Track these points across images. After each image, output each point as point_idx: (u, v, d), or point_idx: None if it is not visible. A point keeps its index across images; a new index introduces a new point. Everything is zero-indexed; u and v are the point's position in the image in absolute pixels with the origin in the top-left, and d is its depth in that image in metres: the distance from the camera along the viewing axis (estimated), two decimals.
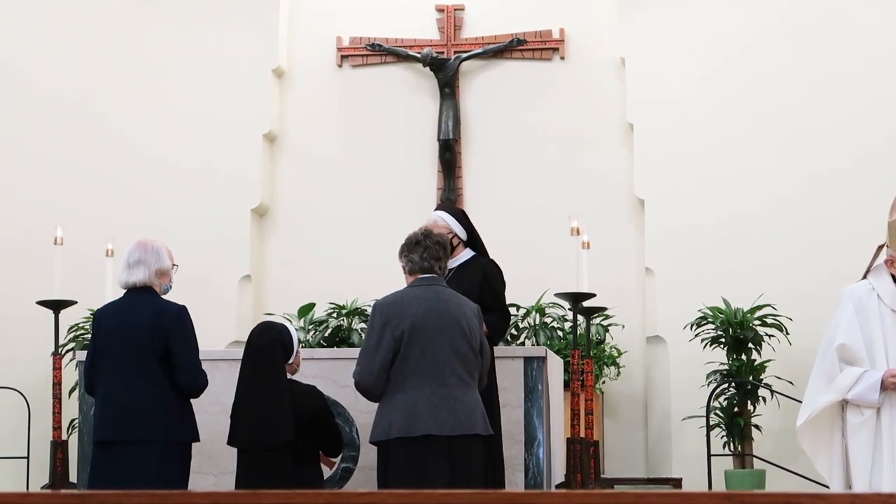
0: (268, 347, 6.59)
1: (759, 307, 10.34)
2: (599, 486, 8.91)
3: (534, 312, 10.85)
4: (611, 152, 11.61)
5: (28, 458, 9.97)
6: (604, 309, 9.31)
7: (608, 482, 10.14)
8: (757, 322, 10.32)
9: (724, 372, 10.28)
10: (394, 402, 6.13)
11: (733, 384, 10.25)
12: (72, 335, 10.52)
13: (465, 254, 7.20)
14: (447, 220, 7.14)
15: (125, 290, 6.44)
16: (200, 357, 6.39)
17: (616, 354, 10.87)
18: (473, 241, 7.27)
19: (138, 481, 6.10)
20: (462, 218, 7.31)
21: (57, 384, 8.79)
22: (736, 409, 10.23)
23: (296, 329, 7.20)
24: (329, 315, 10.98)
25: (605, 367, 10.79)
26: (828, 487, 9.22)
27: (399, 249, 6.42)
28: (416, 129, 11.79)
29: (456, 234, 7.15)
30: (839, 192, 10.67)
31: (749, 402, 10.25)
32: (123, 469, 6.18)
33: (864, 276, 6.23)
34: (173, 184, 11.54)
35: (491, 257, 7.31)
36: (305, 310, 10.89)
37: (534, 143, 11.70)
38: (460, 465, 6.09)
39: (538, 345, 10.38)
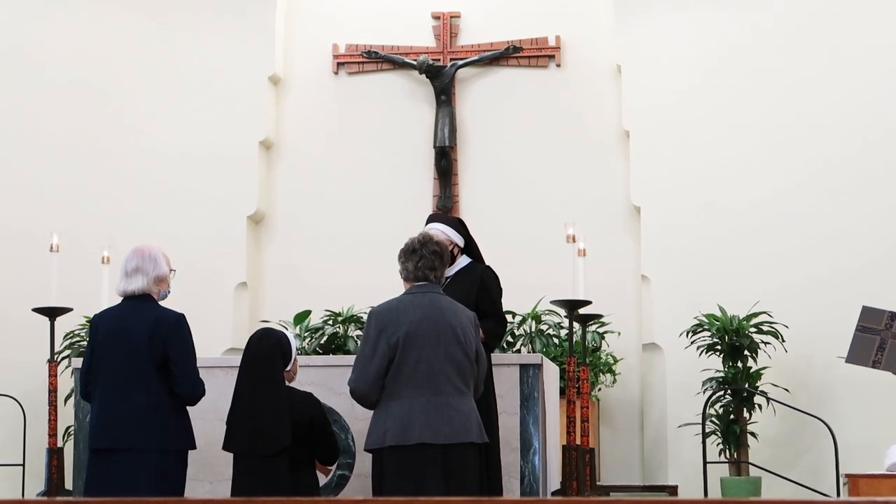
0: (267, 354, 6.60)
1: (755, 314, 10.34)
2: (595, 493, 8.91)
3: (530, 319, 10.86)
4: (607, 159, 11.62)
5: (24, 465, 9.96)
6: (600, 316, 9.32)
7: (604, 489, 10.14)
8: (753, 329, 10.33)
9: (720, 379, 10.28)
10: (388, 409, 6.12)
11: (729, 391, 10.25)
12: (68, 342, 10.51)
13: (462, 260, 7.21)
14: (446, 232, 7.15)
15: (123, 298, 6.44)
16: (196, 364, 6.39)
17: (612, 362, 10.87)
18: (470, 248, 7.28)
19: (135, 489, 6.10)
20: (459, 226, 7.32)
21: (53, 391, 8.77)
22: (732, 416, 10.23)
23: (293, 336, 7.20)
24: (325, 322, 10.98)
25: (601, 374, 10.79)
26: (826, 495, 9.24)
27: (398, 254, 6.43)
28: (412, 136, 11.80)
29: (456, 244, 7.17)
30: (837, 202, 10.67)
31: (745, 409, 10.25)
32: (120, 477, 6.18)
33: None
34: (169, 190, 11.54)
35: (487, 264, 7.32)
36: (301, 317, 10.89)
37: (530, 150, 11.70)
38: (455, 473, 6.08)
39: (534, 352, 10.37)
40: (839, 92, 10.75)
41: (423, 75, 11.78)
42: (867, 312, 7.58)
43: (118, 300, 6.52)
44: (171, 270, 6.52)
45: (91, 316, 6.66)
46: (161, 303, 6.48)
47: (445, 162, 11.66)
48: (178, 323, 6.32)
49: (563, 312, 9.28)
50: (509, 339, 10.66)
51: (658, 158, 11.29)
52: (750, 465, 10.10)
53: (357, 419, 7.19)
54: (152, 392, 6.23)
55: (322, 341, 10.83)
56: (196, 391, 6.33)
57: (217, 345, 11.04)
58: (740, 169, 11.04)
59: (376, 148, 11.85)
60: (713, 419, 10.18)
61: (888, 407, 10.05)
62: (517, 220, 11.51)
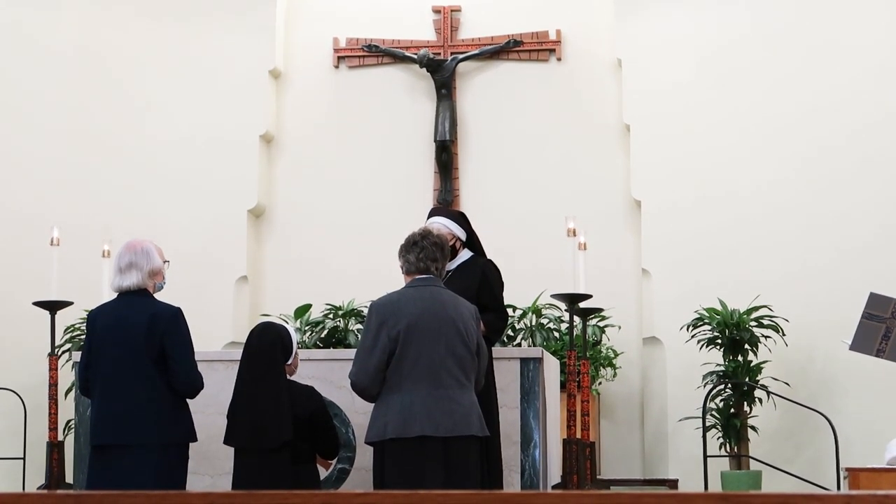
0: (267, 348, 6.59)
1: (756, 308, 10.34)
2: (596, 487, 8.91)
3: (530, 313, 10.86)
4: (607, 153, 11.62)
5: (24, 458, 9.95)
6: (600, 310, 9.32)
7: (604, 483, 10.15)
8: (753, 323, 10.32)
9: (721, 373, 10.29)
10: (389, 402, 6.12)
11: (729, 385, 10.26)
12: (68, 336, 10.51)
13: (464, 254, 7.21)
14: (448, 225, 7.14)
15: (118, 293, 6.43)
16: (196, 358, 6.38)
17: (612, 356, 10.87)
18: (472, 241, 7.28)
19: (137, 484, 6.10)
20: (461, 220, 7.32)
21: (53, 385, 8.78)
22: (732, 410, 10.24)
23: (294, 330, 7.20)
24: (325, 316, 10.98)
25: (601, 368, 10.79)
26: (826, 489, 9.25)
27: (398, 249, 6.43)
28: (412, 130, 11.79)
29: (458, 238, 7.16)
30: (838, 197, 10.66)
31: (745, 403, 10.25)
32: (122, 472, 6.17)
33: None
34: (170, 185, 11.54)
35: (489, 258, 7.32)
36: (302, 311, 10.89)
37: (530, 144, 11.70)
38: (456, 466, 6.08)
39: (534, 346, 10.37)
40: (837, 82, 10.75)
41: (424, 69, 11.78)
42: (874, 299, 7.59)
43: (116, 295, 6.51)
44: (164, 262, 6.50)
45: (91, 310, 6.64)
46: (161, 296, 6.47)
47: (446, 156, 11.66)
48: (174, 317, 6.30)
49: (563, 306, 9.28)
50: (510, 332, 10.66)
51: (658, 152, 11.29)
52: (750, 459, 10.10)
53: (357, 413, 7.19)
54: (151, 386, 6.22)
55: (322, 335, 10.83)
56: (194, 385, 6.32)
57: (217, 338, 11.04)
58: (741, 162, 11.04)
59: (377, 142, 11.85)
60: (713, 413, 10.19)
61: (888, 401, 10.06)
62: (518, 214, 11.51)
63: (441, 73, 11.74)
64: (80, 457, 7.60)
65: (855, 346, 7.64)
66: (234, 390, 6.64)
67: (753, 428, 10.27)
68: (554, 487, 7.93)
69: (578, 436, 8.45)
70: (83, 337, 10.24)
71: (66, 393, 9.90)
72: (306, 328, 10.83)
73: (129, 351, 6.23)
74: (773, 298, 10.39)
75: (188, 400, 6.38)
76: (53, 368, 8.84)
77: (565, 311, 9.12)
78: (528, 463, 7.38)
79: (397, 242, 6.47)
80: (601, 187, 11.55)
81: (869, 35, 10.70)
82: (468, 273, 7.07)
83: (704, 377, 10.32)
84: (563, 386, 8.75)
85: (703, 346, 10.40)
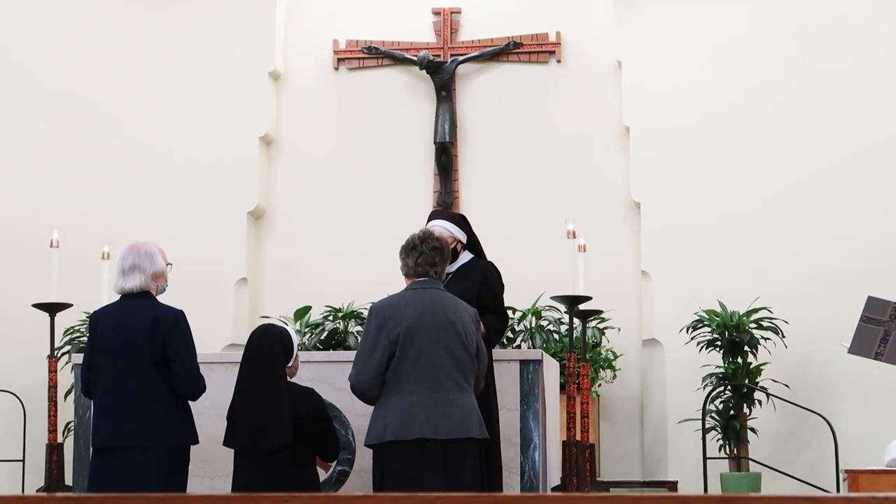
0: (269, 350, 6.59)
1: (755, 310, 10.34)
2: (595, 489, 8.90)
3: (530, 315, 10.86)
4: (607, 155, 11.62)
5: (24, 461, 9.96)
6: (600, 312, 9.30)
7: (604, 485, 10.14)
8: (753, 325, 10.33)
9: (720, 375, 10.29)
10: (389, 405, 6.13)
11: (729, 387, 10.26)
12: (68, 338, 10.51)
13: (464, 256, 7.22)
14: (448, 228, 7.15)
15: (120, 295, 6.43)
16: (197, 360, 6.38)
17: (612, 357, 10.87)
18: (472, 244, 7.29)
19: (137, 486, 6.10)
20: (461, 222, 7.32)
21: (53, 387, 8.77)
22: (732, 412, 10.24)
23: (294, 331, 7.21)
24: (325, 318, 10.98)
25: (601, 370, 10.79)
26: (826, 491, 9.25)
27: (399, 251, 6.43)
28: (412, 132, 11.79)
29: (458, 240, 7.17)
30: (836, 196, 10.67)
31: (745, 405, 10.25)
32: (123, 475, 6.17)
33: None
34: (170, 186, 11.54)
35: (489, 260, 7.33)
36: (301, 313, 10.89)
37: (530, 145, 11.70)
38: (455, 468, 6.09)
39: (534, 348, 10.38)
40: (840, 90, 10.74)
41: (424, 71, 11.79)
42: (872, 303, 7.59)
43: (117, 297, 6.51)
44: (167, 265, 6.51)
45: (91, 312, 6.64)
46: (161, 298, 6.47)
47: (446, 158, 11.67)
48: (176, 319, 6.30)
49: (563, 308, 9.28)
50: (509, 334, 10.66)
51: (658, 154, 11.29)
52: (750, 461, 10.10)
53: (357, 415, 7.19)
54: (153, 389, 6.22)
55: (322, 337, 10.83)
56: (196, 388, 6.33)
57: (217, 340, 11.03)
58: (740, 164, 11.04)
59: (377, 144, 11.85)
60: (713, 415, 10.18)
61: (888, 403, 10.06)
62: (517, 216, 11.51)
63: (441, 74, 11.75)
64: (80, 459, 7.60)
65: (854, 349, 7.65)
66: (235, 392, 6.64)
67: (753, 430, 10.28)
68: (553, 489, 7.93)
69: (578, 438, 8.44)
70: (83, 339, 10.29)
71: (66, 395, 9.89)
72: (306, 330, 10.83)
73: (131, 353, 6.23)
74: (773, 300, 10.40)
75: (190, 402, 6.39)
76: (53, 370, 8.83)
77: (565, 313, 9.12)
78: (527, 465, 7.38)
79: (397, 244, 6.47)
80: (601, 189, 11.55)
81: (875, 43, 10.68)
82: (469, 275, 7.08)
83: (704, 379, 10.32)
84: (562, 388, 8.74)
85: (702, 348, 10.40)
